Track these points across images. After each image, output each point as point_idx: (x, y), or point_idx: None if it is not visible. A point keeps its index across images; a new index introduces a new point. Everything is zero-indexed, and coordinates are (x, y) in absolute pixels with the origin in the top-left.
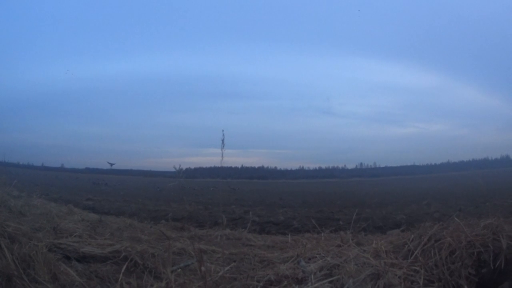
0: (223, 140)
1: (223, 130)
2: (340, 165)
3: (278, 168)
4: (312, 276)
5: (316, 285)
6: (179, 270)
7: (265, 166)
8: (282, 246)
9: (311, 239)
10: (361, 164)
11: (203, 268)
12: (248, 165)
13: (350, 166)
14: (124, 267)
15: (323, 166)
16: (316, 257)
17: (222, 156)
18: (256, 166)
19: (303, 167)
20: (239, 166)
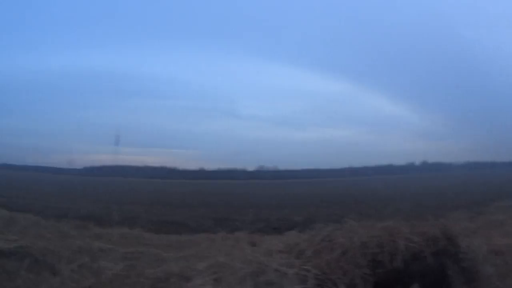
0: (118, 137)
1: (117, 127)
2: (240, 167)
3: (178, 168)
4: (198, 274)
5: (199, 282)
6: (75, 267)
7: (166, 165)
8: (178, 246)
9: (207, 239)
10: (262, 166)
11: (96, 266)
12: (150, 164)
13: (251, 168)
14: (27, 263)
15: (223, 167)
16: (208, 256)
17: (117, 153)
18: (157, 165)
19: (203, 168)
20: (141, 165)
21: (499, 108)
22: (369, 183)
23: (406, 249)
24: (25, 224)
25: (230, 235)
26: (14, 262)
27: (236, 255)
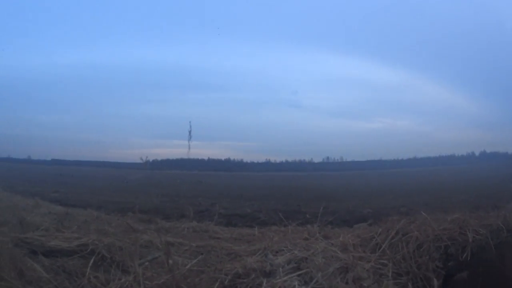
0: (190, 132)
1: (190, 122)
2: (307, 159)
3: (245, 160)
4: (281, 269)
5: (284, 278)
6: (147, 263)
7: (232, 158)
8: (249, 239)
9: (278, 232)
10: (327, 158)
11: (170, 261)
12: (214, 157)
13: (317, 159)
14: (92, 261)
15: (290, 159)
16: (283, 250)
17: (189, 148)
18: (223, 158)
19: (269, 160)
20: (206, 158)
21: None
22: (432, 173)
23: (473, 242)
24: (84, 220)
25: (300, 228)
26: (76, 261)
27: (313, 249)
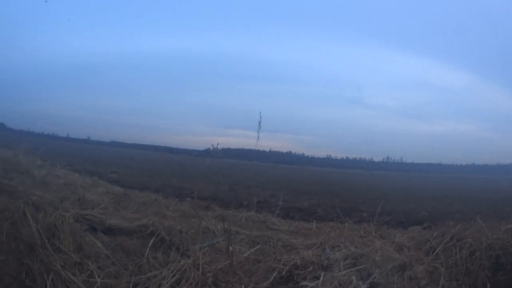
0: (260, 122)
1: (260, 112)
2: (367, 157)
3: (306, 154)
4: (341, 263)
5: (343, 272)
6: (206, 248)
7: (293, 151)
8: (305, 233)
9: (334, 228)
10: (388, 157)
11: (230, 248)
12: (276, 149)
13: (377, 158)
14: (151, 241)
15: (350, 156)
16: (339, 246)
17: (258, 139)
18: (284, 151)
19: (330, 156)
20: (267, 149)
21: None
22: (490, 181)
23: None
24: (142, 202)
25: (357, 226)
26: (135, 240)
27: (370, 247)
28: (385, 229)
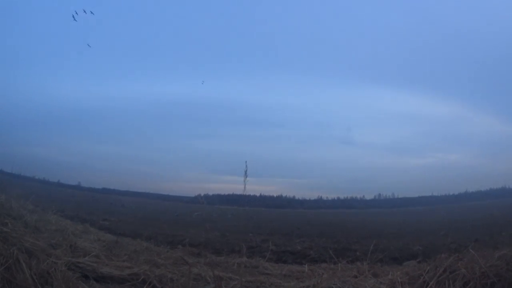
0: (245, 171)
1: (246, 162)
2: (359, 196)
3: (296, 197)
4: None
5: None
6: None
7: (283, 195)
8: (298, 276)
9: (327, 270)
10: (379, 194)
11: None
12: (266, 193)
13: (369, 196)
14: None
15: (341, 196)
16: (332, 287)
17: (245, 187)
18: (275, 195)
19: (321, 197)
20: (258, 194)
21: None
22: (483, 207)
23: None
24: (134, 250)
25: (350, 266)
26: None
27: (362, 287)
28: (379, 266)
